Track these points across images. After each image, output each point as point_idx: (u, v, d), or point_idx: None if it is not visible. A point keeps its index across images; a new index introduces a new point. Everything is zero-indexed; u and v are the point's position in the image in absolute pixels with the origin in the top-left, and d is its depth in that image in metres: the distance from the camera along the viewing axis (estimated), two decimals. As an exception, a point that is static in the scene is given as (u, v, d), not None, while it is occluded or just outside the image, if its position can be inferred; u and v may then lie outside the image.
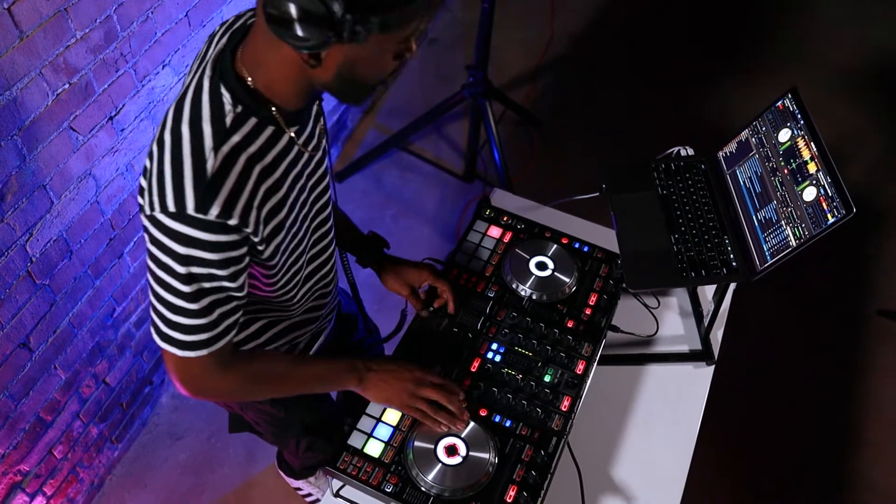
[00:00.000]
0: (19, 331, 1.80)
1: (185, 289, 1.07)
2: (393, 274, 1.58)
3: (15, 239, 1.69)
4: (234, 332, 1.18)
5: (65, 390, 2.04)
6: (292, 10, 0.90)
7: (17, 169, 1.63)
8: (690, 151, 1.78)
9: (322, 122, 1.28)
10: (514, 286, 1.60)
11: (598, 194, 1.76)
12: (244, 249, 1.09)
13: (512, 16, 3.78)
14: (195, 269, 1.06)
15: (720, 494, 2.44)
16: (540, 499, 1.31)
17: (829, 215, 1.34)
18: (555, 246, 1.67)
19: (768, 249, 1.45)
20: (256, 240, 1.10)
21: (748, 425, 2.61)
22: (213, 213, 1.02)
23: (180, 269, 1.05)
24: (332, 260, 1.44)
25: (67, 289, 1.92)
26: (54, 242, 1.82)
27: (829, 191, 1.36)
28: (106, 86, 1.81)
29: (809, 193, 1.40)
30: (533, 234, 1.71)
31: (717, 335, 1.75)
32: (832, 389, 2.74)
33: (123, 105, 1.89)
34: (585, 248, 1.69)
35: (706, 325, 1.69)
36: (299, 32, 0.92)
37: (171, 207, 1.01)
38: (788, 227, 1.42)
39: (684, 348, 1.73)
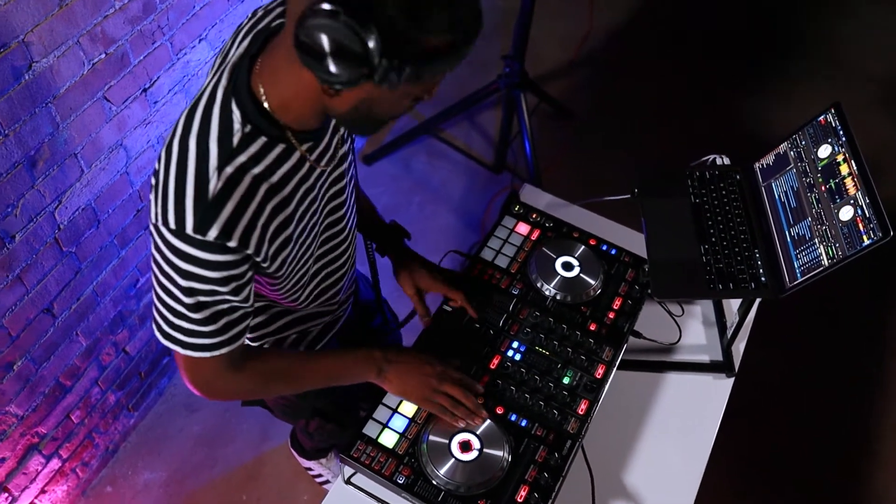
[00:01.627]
0: (44, 296, 1.82)
1: (187, 300, 1.06)
2: (406, 272, 1.54)
3: (44, 206, 1.70)
4: (243, 338, 1.16)
5: (85, 357, 2.06)
6: (326, 43, 0.86)
7: (49, 136, 1.64)
8: (726, 160, 1.75)
9: (342, 132, 1.24)
10: (538, 285, 1.59)
11: (628, 196, 1.74)
12: (245, 267, 1.08)
13: (551, 6, 3.74)
14: (196, 285, 1.05)
15: (730, 505, 2.42)
16: (551, 501, 1.31)
17: (864, 237, 1.31)
18: (582, 247, 1.65)
19: (799, 267, 1.42)
20: (259, 259, 1.09)
21: (765, 440, 2.58)
22: (212, 234, 1.00)
23: (181, 282, 1.05)
24: (345, 255, 1.41)
25: (93, 257, 1.93)
26: (82, 211, 1.83)
27: (866, 211, 1.33)
28: (142, 57, 1.81)
29: (846, 213, 1.37)
30: (561, 233, 1.69)
31: (739, 347, 1.72)
32: (854, 409, 2.70)
33: (158, 77, 1.89)
34: (613, 251, 1.67)
35: (729, 336, 1.67)
36: (331, 68, 0.88)
37: (172, 224, 1.00)
38: (822, 246, 1.39)
39: (705, 358, 1.71)
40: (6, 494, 1.99)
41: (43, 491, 2.13)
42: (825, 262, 1.37)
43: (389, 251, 1.58)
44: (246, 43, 1.09)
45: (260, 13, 1.13)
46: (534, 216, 1.72)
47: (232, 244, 1.02)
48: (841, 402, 2.70)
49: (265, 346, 1.48)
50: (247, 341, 1.34)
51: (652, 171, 1.73)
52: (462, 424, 1.36)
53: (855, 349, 2.86)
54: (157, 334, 1.13)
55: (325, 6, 0.84)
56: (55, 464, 2.13)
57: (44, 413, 2.00)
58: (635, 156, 3.26)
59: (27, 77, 1.51)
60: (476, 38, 0.93)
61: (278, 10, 1.13)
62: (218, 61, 1.11)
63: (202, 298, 1.06)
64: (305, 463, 2.28)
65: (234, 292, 1.08)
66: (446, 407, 1.35)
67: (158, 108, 1.94)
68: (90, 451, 2.27)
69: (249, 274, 1.10)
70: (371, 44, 0.85)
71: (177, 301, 1.07)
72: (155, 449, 2.44)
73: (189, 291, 1.05)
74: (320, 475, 2.31)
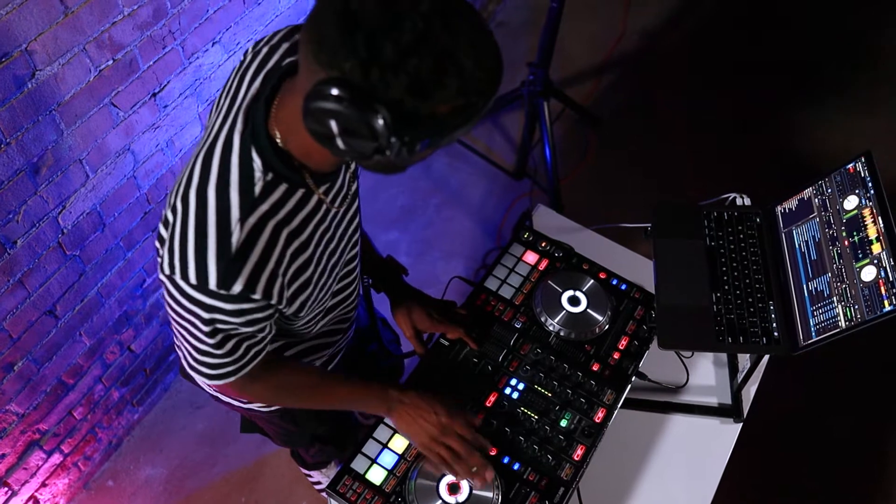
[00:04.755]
0: (46, 299, 1.81)
1: (211, 340, 1.07)
2: (404, 312, 1.49)
3: (47, 211, 1.68)
4: (263, 354, 1.17)
5: (88, 356, 2.06)
6: (333, 126, 0.84)
7: (53, 143, 1.61)
8: (747, 201, 1.67)
9: (354, 167, 1.21)
10: (542, 319, 1.54)
11: (643, 226, 1.68)
12: (269, 311, 1.08)
13: (584, 5, 3.62)
14: (220, 326, 1.05)
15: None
16: (538, 553, 1.27)
17: (886, 302, 1.23)
18: (591, 281, 1.59)
19: (815, 325, 1.35)
20: (281, 306, 1.09)
21: (771, 489, 2.47)
22: (236, 289, 0.99)
23: (204, 327, 1.05)
24: (356, 289, 1.40)
25: (98, 260, 1.92)
26: (87, 215, 1.81)
27: (890, 275, 1.25)
28: (151, 62, 1.77)
29: (868, 273, 1.29)
30: (570, 264, 1.64)
31: (749, 391, 1.66)
32: (868, 462, 2.57)
33: (168, 82, 1.85)
34: (623, 287, 1.61)
35: (739, 381, 1.61)
36: (341, 146, 0.87)
37: (192, 279, 0.98)
38: (840, 306, 1.32)
39: (713, 401, 1.65)
40: (6, 489, 1.99)
41: (44, 484, 2.14)
42: (842, 323, 1.30)
43: (385, 288, 1.54)
44: (257, 84, 1.05)
45: (264, 50, 1.09)
46: (543, 244, 1.67)
47: (256, 296, 1.01)
48: (855, 454, 2.58)
49: None
50: None
51: (672, 195, 1.67)
52: (461, 479, 1.32)
53: (869, 386, 2.73)
54: (184, 364, 1.17)
55: (332, 90, 0.81)
56: (56, 458, 2.14)
57: (45, 411, 2.00)
58: (658, 173, 3.12)
59: (30, 85, 1.48)
60: (496, 90, 0.89)
61: (284, 45, 1.09)
62: (226, 103, 1.07)
63: (228, 334, 1.08)
64: (305, 470, 2.26)
65: (259, 331, 1.10)
66: (445, 459, 1.30)
67: (168, 113, 1.91)
68: (92, 445, 2.27)
69: (273, 316, 1.11)
70: (379, 127, 0.82)
71: (200, 341, 1.08)
72: (157, 445, 2.44)
73: (212, 332, 1.06)
74: (319, 482, 2.29)
